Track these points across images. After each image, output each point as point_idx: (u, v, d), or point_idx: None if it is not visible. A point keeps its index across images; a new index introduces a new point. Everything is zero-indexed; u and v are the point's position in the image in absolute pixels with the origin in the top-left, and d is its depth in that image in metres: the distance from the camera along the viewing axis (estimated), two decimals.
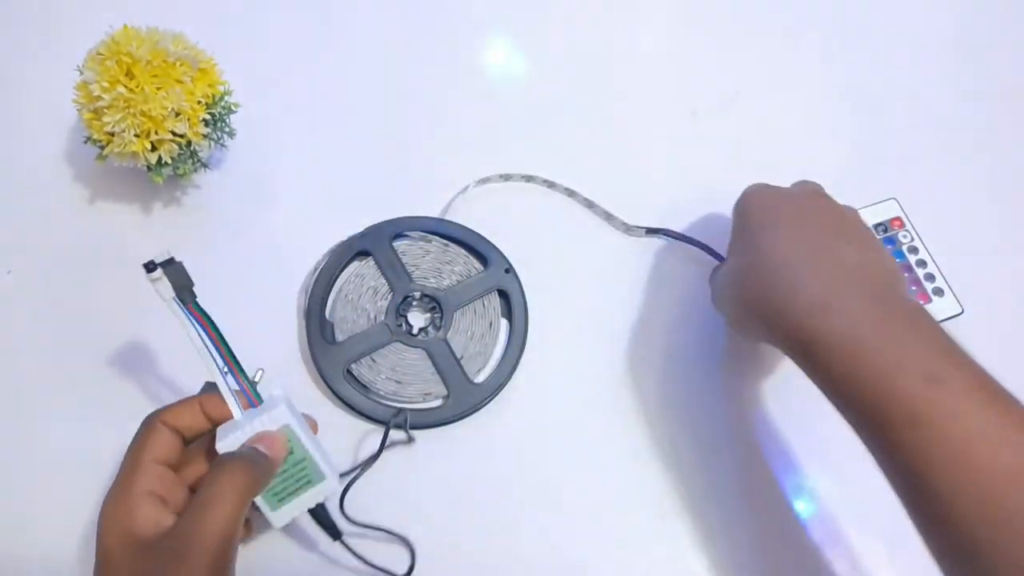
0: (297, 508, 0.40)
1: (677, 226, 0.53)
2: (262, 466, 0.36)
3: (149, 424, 0.38)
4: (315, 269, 0.51)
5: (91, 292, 0.51)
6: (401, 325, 0.50)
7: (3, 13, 0.60)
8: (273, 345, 0.50)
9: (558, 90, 0.58)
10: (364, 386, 0.48)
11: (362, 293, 0.50)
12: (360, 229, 0.52)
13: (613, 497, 0.47)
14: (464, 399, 0.48)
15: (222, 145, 0.53)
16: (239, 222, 0.54)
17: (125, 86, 0.46)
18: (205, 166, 0.52)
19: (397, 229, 0.52)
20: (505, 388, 0.49)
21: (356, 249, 0.51)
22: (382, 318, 0.50)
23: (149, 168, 0.49)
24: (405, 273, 0.51)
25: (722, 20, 0.61)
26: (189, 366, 0.48)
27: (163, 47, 0.47)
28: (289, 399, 0.40)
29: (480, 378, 0.49)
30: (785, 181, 0.47)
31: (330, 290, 0.51)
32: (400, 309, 0.50)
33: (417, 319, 0.51)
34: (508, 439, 0.49)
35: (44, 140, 0.55)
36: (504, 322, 0.51)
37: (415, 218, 0.52)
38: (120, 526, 0.34)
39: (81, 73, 0.48)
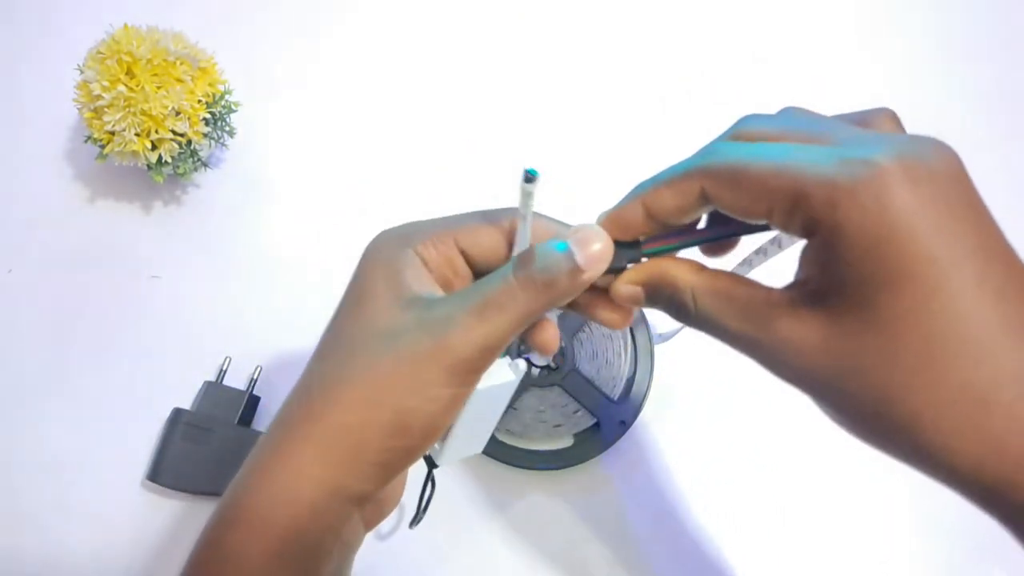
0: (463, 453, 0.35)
1: None
2: (567, 276, 0.27)
3: (401, 250, 0.29)
4: None
5: (91, 291, 0.51)
6: (528, 370, 0.48)
7: (3, 13, 0.60)
8: None
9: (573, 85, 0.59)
10: (515, 436, 0.48)
11: None
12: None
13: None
14: (611, 419, 0.47)
15: (222, 144, 0.53)
16: (239, 222, 0.54)
17: (125, 85, 0.46)
18: (205, 165, 0.52)
19: None
20: (650, 390, 0.48)
21: None
22: None
23: (149, 167, 0.49)
24: None
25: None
26: (190, 366, 0.49)
27: (163, 46, 0.47)
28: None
29: (619, 393, 0.48)
30: None
31: None
32: (520, 353, 0.49)
33: (540, 358, 0.49)
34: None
35: (44, 139, 0.55)
36: (626, 329, 0.49)
37: None
38: (387, 267, 0.28)
39: (81, 72, 0.48)
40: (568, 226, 0.29)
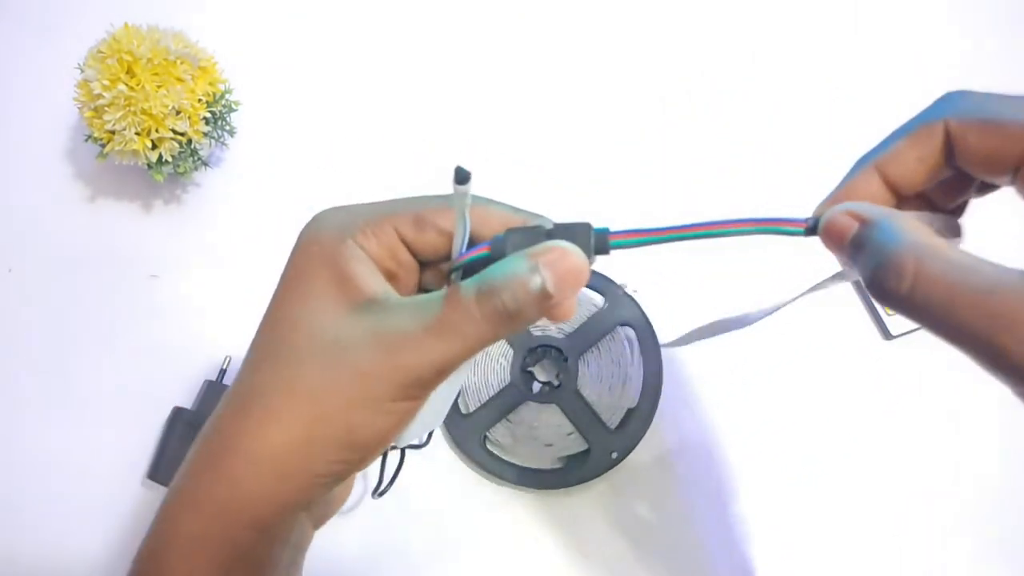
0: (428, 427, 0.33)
1: None
2: (534, 303, 0.24)
3: (342, 242, 0.26)
4: None
5: (91, 291, 0.51)
6: (530, 383, 0.47)
7: (3, 12, 0.60)
8: None
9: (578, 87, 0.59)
10: (504, 449, 0.47)
11: (483, 356, 0.48)
12: None
13: None
14: (603, 448, 0.46)
15: (223, 144, 0.53)
16: (240, 221, 0.54)
17: (126, 84, 0.46)
18: (206, 164, 0.52)
19: None
20: (650, 428, 0.46)
21: None
22: (508, 379, 0.47)
23: (150, 166, 0.49)
24: None
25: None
26: (190, 365, 0.49)
27: (164, 45, 0.47)
28: None
29: (616, 423, 0.47)
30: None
31: None
32: (525, 365, 0.48)
33: (543, 373, 0.49)
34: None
35: (45, 138, 0.55)
36: (635, 356, 0.48)
37: None
38: (330, 261, 0.26)
39: (82, 71, 0.48)
40: (518, 210, 0.27)
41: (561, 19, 0.61)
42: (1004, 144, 0.23)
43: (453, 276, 0.27)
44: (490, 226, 0.26)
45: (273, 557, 0.26)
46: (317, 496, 0.26)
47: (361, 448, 0.25)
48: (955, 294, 0.21)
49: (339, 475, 0.26)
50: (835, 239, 0.24)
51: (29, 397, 0.49)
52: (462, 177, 0.23)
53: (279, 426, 0.25)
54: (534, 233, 0.25)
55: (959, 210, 0.28)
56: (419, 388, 0.25)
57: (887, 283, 0.22)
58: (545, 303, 0.24)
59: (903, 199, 0.26)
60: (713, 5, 0.61)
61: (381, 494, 0.44)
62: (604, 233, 0.25)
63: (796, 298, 0.33)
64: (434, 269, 0.28)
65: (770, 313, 0.34)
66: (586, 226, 0.25)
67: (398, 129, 0.57)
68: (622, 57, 0.60)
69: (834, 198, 0.26)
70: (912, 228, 0.23)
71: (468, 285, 0.24)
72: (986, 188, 0.27)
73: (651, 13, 0.61)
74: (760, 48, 0.60)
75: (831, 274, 0.31)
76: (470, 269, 0.25)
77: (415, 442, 0.44)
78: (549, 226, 0.25)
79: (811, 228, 0.25)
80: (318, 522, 0.30)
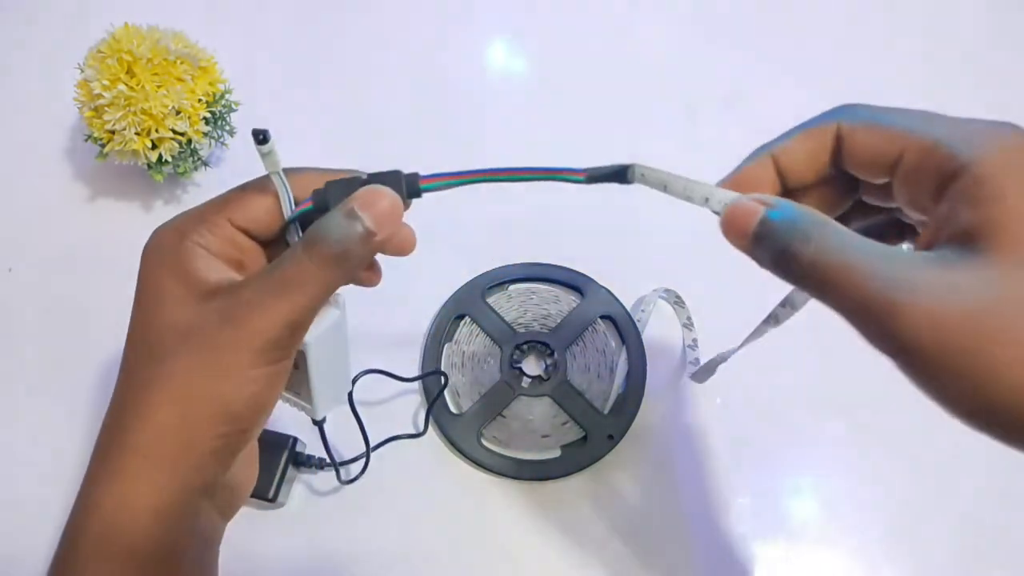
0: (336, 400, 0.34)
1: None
2: (360, 243, 0.27)
3: (180, 244, 0.28)
4: (423, 348, 0.50)
5: (91, 290, 0.51)
6: (520, 378, 0.48)
7: (3, 12, 0.60)
8: None
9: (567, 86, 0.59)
10: (502, 444, 0.47)
11: (470, 357, 0.49)
12: None
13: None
14: (600, 432, 0.47)
15: (223, 143, 0.53)
16: None
17: (126, 84, 0.46)
18: (206, 164, 0.52)
19: (486, 283, 0.51)
20: (640, 408, 0.47)
21: (453, 315, 0.50)
22: (497, 376, 0.48)
23: (149, 166, 0.49)
24: (506, 325, 0.50)
25: (723, 19, 0.62)
26: None
27: (164, 45, 0.47)
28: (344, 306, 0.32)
29: (609, 407, 0.48)
30: None
31: (439, 362, 0.49)
32: (513, 361, 0.49)
33: (532, 367, 0.50)
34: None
35: (45, 138, 0.55)
36: (620, 346, 0.49)
37: (500, 268, 0.52)
38: (173, 264, 0.28)
39: (82, 71, 0.48)
40: (334, 170, 0.29)
41: (561, 26, 0.61)
42: (884, 144, 0.26)
43: (290, 231, 0.29)
44: (312, 189, 0.29)
45: (179, 545, 0.27)
46: (211, 476, 0.27)
47: (238, 418, 0.27)
48: (855, 260, 0.23)
49: (226, 449, 0.27)
50: (742, 221, 0.25)
51: (29, 397, 0.49)
52: (261, 137, 0.25)
53: (153, 414, 0.26)
54: (351, 183, 0.28)
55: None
56: (277, 349, 0.27)
57: (794, 248, 0.24)
58: (371, 240, 0.27)
59: (789, 192, 0.28)
60: (742, 14, 0.61)
61: (350, 481, 0.44)
62: (415, 177, 0.28)
63: (750, 339, 0.37)
64: (278, 243, 0.30)
65: (746, 343, 0.38)
66: (397, 172, 0.28)
67: (397, 129, 0.57)
68: (649, 64, 0.60)
69: (731, 179, 0.28)
70: (811, 208, 0.25)
71: (297, 241, 0.27)
72: (869, 209, 0.29)
73: (680, 22, 0.61)
74: (788, 59, 0.60)
75: (778, 303, 0.34)
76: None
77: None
78: (364, 176, 0.28)
79: (592, 178, 0.29)
80: (225, 511, 0.31)
